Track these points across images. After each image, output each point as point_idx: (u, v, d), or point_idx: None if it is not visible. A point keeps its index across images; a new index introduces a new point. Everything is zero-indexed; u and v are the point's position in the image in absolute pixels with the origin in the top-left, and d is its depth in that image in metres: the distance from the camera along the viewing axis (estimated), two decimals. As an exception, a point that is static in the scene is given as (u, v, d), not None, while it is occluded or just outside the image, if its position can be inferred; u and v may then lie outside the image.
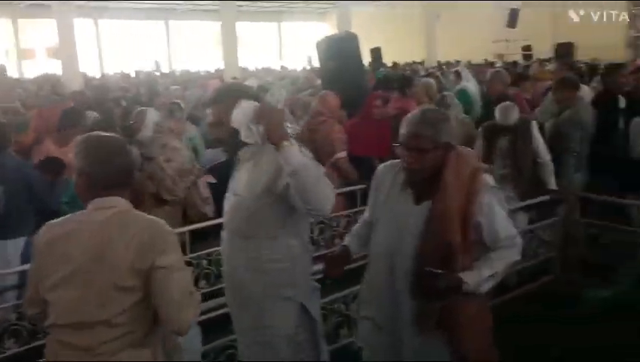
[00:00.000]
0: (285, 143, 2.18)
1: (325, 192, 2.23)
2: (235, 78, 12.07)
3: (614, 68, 5.59)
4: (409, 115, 2.26)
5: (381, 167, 2.47)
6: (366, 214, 2.54)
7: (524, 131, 4.36)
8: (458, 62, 15.34)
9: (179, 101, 6.10)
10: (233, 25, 16.55)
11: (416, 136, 2.16)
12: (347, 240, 2.55)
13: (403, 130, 2.21)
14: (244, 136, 2.34)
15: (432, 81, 6.74)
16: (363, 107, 5.44)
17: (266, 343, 2.45)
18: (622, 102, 4.95)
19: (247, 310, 2.47)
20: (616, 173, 4.88)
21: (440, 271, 2.13)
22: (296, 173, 2.16)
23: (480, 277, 2.17)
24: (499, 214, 2.24)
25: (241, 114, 2.34)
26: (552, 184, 4.46)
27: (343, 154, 4.77)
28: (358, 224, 2.63)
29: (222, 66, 16.66)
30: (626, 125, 4.84)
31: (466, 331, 2.22)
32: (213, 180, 4.45)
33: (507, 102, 4.53)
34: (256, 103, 2.38)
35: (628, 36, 20.03)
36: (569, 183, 4.56)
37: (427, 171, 2.19)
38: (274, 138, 2.20)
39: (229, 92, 2.50)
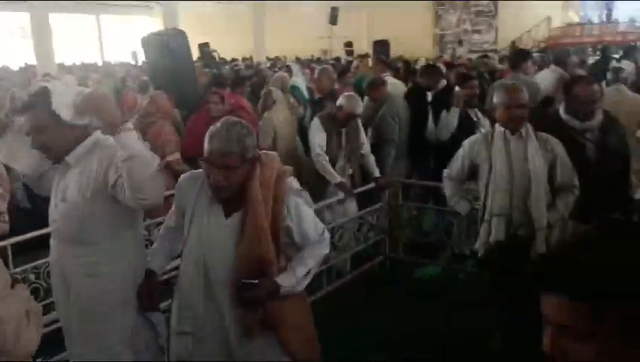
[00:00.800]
0: (126, 126, 2.08)
1: (158, 184, 2.19)
2: (47, 74, 11.06)
3: (429, 67, 6.20)
4: (212, 129, 2.15)
5: (183, 179, 2.39)
6: (170, 221, 2.48)
7: (355, 125, 4.64)
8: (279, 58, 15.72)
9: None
10: (46, 16, 15.22)
11: (224, 154, 2.09)
12: (150, 263, 2.46)
13: (208, 145, 2.11)
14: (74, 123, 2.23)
15: (285, 75, 6.85)
16: (200, 105, 5.39)
17: (105, 350, 2.38)
18: (429, 97, 5.54)
19: (84, 318, 2.38)
20: (430, 158, 5.44)
21: (256, 280, 2.16)
22: (132, 158, 2.06)
23: (295, 277, 2.24)
24: (306, 215, 2.31)
25: (65, 107, 2.21)
26: (377, 172, 4.86)
27: (175, 155, 4.68)
28: (161, 233, 2.59)
29: (33, 61, 15.24)
30: (435, 116, 5.39)
31: (289, 330, 2.31)
32: None
33: (352, 93, 4.77)
34: (79, 92, 2.25)
35: (434, 34, 22.22)
36: (392, 171, 4.98)
37: (235, 187, 2.16)
38: (109, 123, 2.09)
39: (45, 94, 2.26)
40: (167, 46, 6.24)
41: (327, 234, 2.40)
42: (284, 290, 2.21)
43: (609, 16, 19.90)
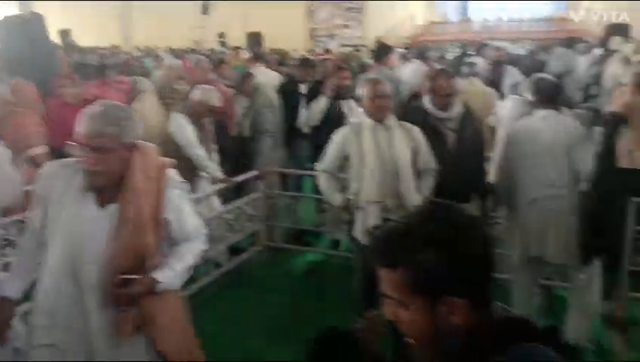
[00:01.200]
0: None
1: (10, 179, 2.04)
2: None
3: (302, 60, 6.32)
4: (87, 110, 2.03)
5: (46, 167, 2.23)
6: (34, 222, 2.21)
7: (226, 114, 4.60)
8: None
9: None
10: None
11: (99, 135, 1.98)
12: (4, 288, 2.21)
13: (81, 127, 1.99)
14: None
15: (205, 59, 6.48)
16: (52, 92, 5.03)
17: None
18: (303, 89, 5.68)
19: None
20: (304, 148, 5.58)
21: (134, 276, 2.05)
22: None
23: (173, 273, 2.16)
24: (186, 209, 2.26)
25: None
26: (255, 163, 4.92)
27: (41, 149, 4.36)
28: (22, 242, 2.36)
29: None
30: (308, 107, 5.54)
31: (165, 329, 2.22)
32: None
33: (206, 85, 4.70)
34: None
35: (307, 28, 22.60)
36: (268, 161, 5.04)
37: (111, 173, 2.05)
38: None
39: None
40: (21, 30, 5.75)
41: (204, 230, 2.37)
42: (161, 287, 2.13)
43: (465, 15, 21.53)
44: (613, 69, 7.29)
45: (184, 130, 4.29)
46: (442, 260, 1.03)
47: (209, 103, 4.38)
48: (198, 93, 4.40)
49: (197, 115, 4.35)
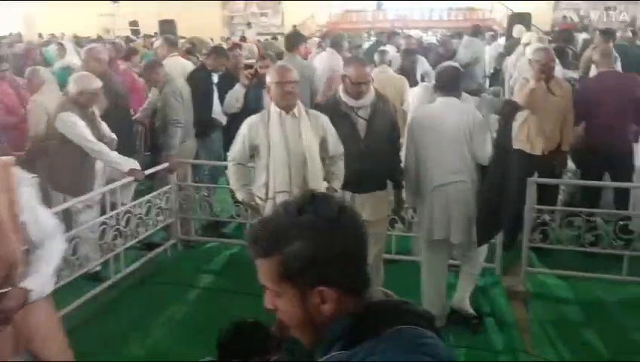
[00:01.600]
0: None
1: None
2: None
3: (215, 49, 6.17)
4: None
5: None
6: None
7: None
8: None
9: None
10: None
11: None
12: None
13: None
14: None
15: (99, 46, 6.04)
16: None
17: None
18: (215, 78, 5.57)
19: None
20: (217, 138, 5.49)
21: (3, 290, 1.92)
22: None
23: (42, 279, 2.05)
24: (39, 207, 2.15)
25: None
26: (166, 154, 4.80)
27: None
28: None
29: None
30: (222, 97, 5.44)
31: (41, 341, 2.12)
32: None
33: (84, 72, 4.46)
34: None
35: (223, 16, 22.19)
36: (179, 152, 4.90)
37: None
38: None
39: None
40: None
41: (60, 227, 2.24)
42: (34, 296, 1.98)
43: (380, 4, 21.87)
44: (514, 58, 7.66)
45: (74, 129, 4.05)
46: (309, 250, 1.04)
47: (89, 90, 4.16)
48: (73, 85, 4.15)
49: (82, 106, 4.14)
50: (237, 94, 5.12)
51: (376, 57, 5.85)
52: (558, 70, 6.11)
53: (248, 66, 5.66)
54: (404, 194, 3.84)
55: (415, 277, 3.80)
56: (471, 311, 3.76)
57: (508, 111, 3.60)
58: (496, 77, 9.19)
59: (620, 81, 4.71)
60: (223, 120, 5.43)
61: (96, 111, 4.37)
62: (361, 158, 3.52)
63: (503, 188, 3.45)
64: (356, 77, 3.50)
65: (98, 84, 4.23)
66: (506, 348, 3.56)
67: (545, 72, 4.49)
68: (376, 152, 3.56)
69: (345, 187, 3.58)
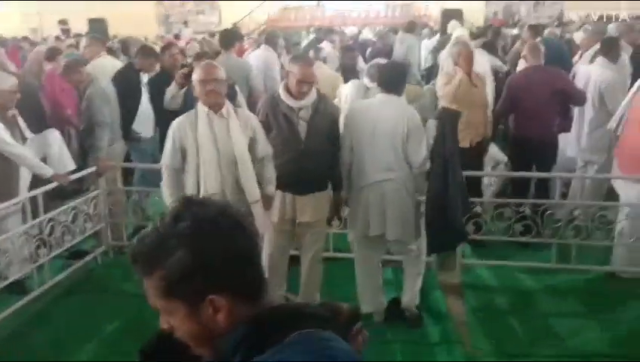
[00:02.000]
0: None
1: None
2: None
3: (143, 48, 5.94)
4: None
5: None
6: None
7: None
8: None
9: None
10: None
11: None
12: None
13: None
14: None
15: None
16: None
17: None
18: (145, 78, 5.36)
19: None
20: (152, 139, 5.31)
21: None
22: None
23: None
24: None
25: None
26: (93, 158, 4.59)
27: None
28: None
29: None
30: (159, 96, 5.23)
31: None
32: None
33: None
34: None
35: (158, 13, 21.66)
36: (107, 155, 4.69)
37: None
38: None
39: None
40: None
41: None
42: None
43: (318, 1, 21.85)
44: (446, 53, 7.79)
45: None
46: (189, 258, 0.98)
47: (3, 88, 3.93)
48: None
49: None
50: (172, 93, 4.88)
51: (311, 54, 5.82)
52: (487, 61, 6.29)
53: (184, 65, 5.50)
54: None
55: (354, 275, 3.79)
56: (415, 311, 3.76)
57: (449, 118, 3.62)
58: (432, 72, 9.33)
59: (546, 76, 4.85)
60: (151, 124, 5.23)
61: (16, 111, 4.12)
62: (301, 160, 3.46)
63: (447, 195, 3.48)
64: (301, 76, 3.40)
65: (13, 81, 3.99)
66: (442, 340, 3.61)
67: (468, 63, 4.60)
68: (316, 153, 3.49)
69: (285, 189, 3.52)
